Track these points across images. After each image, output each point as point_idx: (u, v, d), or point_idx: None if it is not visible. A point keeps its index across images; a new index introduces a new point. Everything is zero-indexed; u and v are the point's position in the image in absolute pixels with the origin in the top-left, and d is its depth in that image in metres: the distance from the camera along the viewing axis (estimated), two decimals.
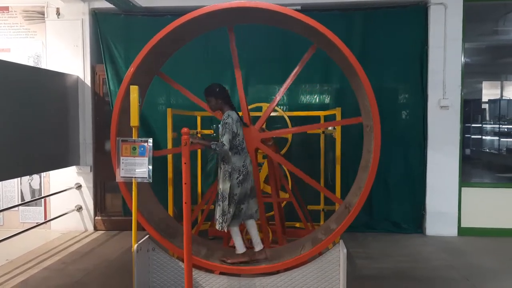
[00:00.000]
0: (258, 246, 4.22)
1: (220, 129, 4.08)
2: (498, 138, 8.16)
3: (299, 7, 6.69)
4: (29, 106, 5.65)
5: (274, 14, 4.06)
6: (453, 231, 6.61)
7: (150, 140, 3.88)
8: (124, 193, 4.18)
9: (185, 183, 3.81)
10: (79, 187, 7.04)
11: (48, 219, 6.96)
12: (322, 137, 6.38)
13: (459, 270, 5.18)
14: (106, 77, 6.97)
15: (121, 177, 3.91)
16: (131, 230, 6.00)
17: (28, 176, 7.09)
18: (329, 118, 6.21)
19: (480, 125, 8.15)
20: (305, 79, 6.69)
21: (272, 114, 6.01)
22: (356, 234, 6.61)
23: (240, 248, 4.17)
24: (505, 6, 6.93)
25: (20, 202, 7.02)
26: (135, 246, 3.93)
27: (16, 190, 7.15)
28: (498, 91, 8.39)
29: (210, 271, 4.19)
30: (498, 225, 6.56)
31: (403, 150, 6.70)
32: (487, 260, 5.52)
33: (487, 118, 8.34)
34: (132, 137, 3.95)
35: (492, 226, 6.58)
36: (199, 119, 6.56)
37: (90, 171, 7.04)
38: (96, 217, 7.12)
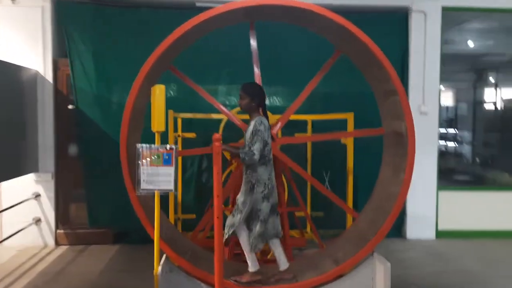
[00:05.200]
0: (284, 265, 3.91)
1: (247, 135, 3.73)
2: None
3: None
4: None
5: (314, 16, 3.81)
6: (431, 234, 6.77)
7: (176, 147, 3.43)
8: (137, 209, 3.67)
9: (218, 196, 3.43)
10: (37, 196, 6.21)
11: (1, 237, 6.04)
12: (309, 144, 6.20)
13: (452, 275, 5.26)
14: (70, 72, 6.21)
15: (142, 189, 3.41)
16: (100, 244, 5.51)
17: None
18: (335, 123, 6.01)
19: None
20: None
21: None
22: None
23: (254, 265, 3.84)
24: (480, 16, 7.22)
25: None
26: (159, 268, 3.44)
27: None
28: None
29: None
30: (473, 227, 6.83)
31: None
32: (474, 264, 5.68)
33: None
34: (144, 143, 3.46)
35: (467, 228, 6.84)
36: (179, 120, 6.05)
37: (52, 178, 6.23)
38: (58, 231, 6.33)
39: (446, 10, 6.69)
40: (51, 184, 6.25)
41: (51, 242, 6.28)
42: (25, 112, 5.86)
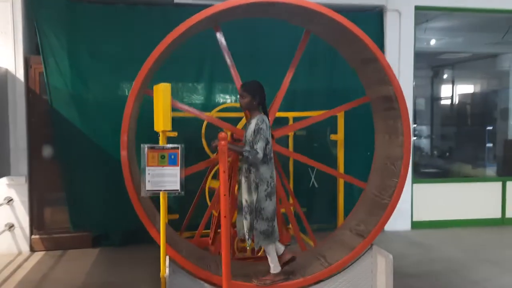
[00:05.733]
0: (276, 269, 3.89)
1: (248, 134, 3.70)
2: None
3: None
4: None
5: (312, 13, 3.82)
6: (407, 226, 7.01)
7: (182, 146, 3.36)
8: (139, 210, 3.56)
9: (224, 195, 3.39)
10: (10, 201, 5.89)
11: None
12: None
13: (435, 263, 5.48)
14: (44, 71, 5.92)
15: (147, 190, 3.31)
16: (78, 248, 5.31)
17: None
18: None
19: None
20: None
21: None
22: (319, 234, 6.61)
23: (277, 267, 3.83)
24: (440, 15, 7.53)
25: None
26: (166, 270, 3.36)
27: None
28: None
29: None
30: (445, 217, 7.14)
31: (363, 150, 6.88)
32: (452, 251, 5.95)
33: None
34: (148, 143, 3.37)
35: (440, 218, 7.13)
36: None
37: (25, 182, 5.93)
38: (33, 236, 6.03)
39: (418, 9, 6.92)
40: (25, 188, 5.94)
41: (25, 248, 5.99)
42: None
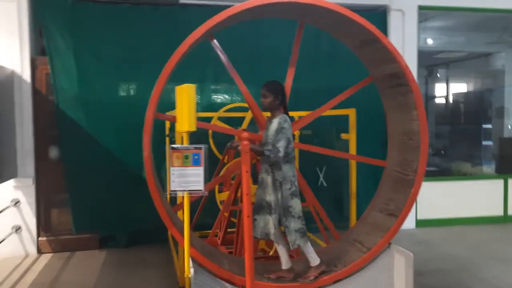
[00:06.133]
0: (287, 265, 3.91)
1: (270, 133, 3.71)
2: None
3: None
4: None
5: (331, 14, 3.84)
6: (411, 224, 7.08)
7: (205, 146, 3.36)
8: (160, 210, 3.56)
9: (247, 194, 3.41)
10: (17, 203, 5.84)
11: None
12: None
13: (442, 261, 5.55)
14: (50, 71, 5.88)
15: (172, 191, 3.32)
16: (85, 250, 5.63)
17: None
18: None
19: None
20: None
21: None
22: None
23: (316, 259, 3.85)
24: (438, 14, 7.61)
25: None
26: (191, 270, 3.36)
27: None
28: None
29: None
30: (448, 215, 7.23)
31: (367, 147, 6.90)
32: (457, 248, 6.05)
33: None
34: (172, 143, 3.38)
35: (443, 216, 7.22)
36: (167, 121, 5.91)
37: (32, 183, 5.88)
38: (40, 238, 5.99)
39: (422, 9, 7.00)
40: (32, 190, 5.90)
41: (33, 250, 5.94)
42: (1, 114, 5.47)
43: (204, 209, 5.31)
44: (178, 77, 5.86)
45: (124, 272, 5.29)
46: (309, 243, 3.82)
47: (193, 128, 3.27)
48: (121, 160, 6.10)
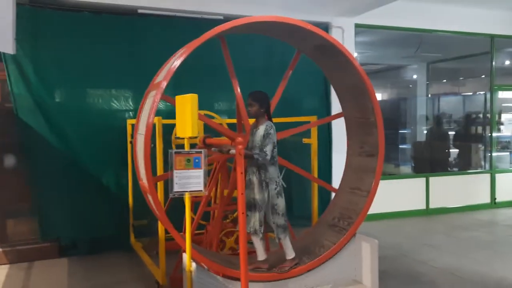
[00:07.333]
0: (262, 256, 4.34)
1: (257, 138, 4.11)
2: None
3: (221, 17, 6.88)
4: None
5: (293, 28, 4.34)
6: None
7: (205, 150, 3.68)
8: (159, 209, 3.80)
9: (242, 194, 3.78)
10: None
11: None
12: None
13: (386, 248, 6.30)
14: (7, 78, 5.76)
15: (175, 192, 3.59)
16: (45, 259, 5.79)
17: None
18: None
19: None
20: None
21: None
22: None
23: (291, 253, 4.30)
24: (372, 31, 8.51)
25: None
26: (193, 267, 3.65)
27: None
28: None
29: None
30: (380, 210, 8.06)
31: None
32: (398, 239, 6.86)
33: None
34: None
35: (376, 212, 8.04)
36: (129, 127, 6.05)
37: None
38: None
39: (357, 27, 7.81)
40: None
41: None
42: None
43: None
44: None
45: (95, 277, 5.35)
46: (288, 238, 4.29)
47: (195, 134, 3.58)
48: (82, 166, 6.11)
